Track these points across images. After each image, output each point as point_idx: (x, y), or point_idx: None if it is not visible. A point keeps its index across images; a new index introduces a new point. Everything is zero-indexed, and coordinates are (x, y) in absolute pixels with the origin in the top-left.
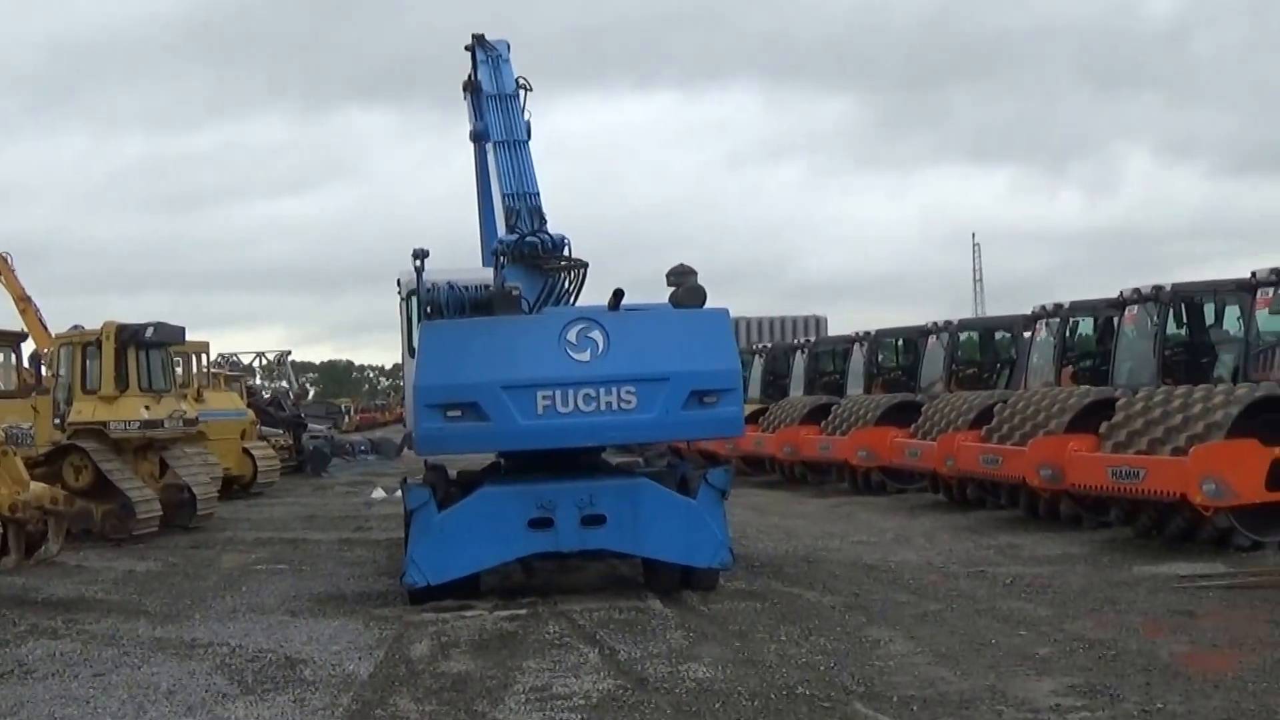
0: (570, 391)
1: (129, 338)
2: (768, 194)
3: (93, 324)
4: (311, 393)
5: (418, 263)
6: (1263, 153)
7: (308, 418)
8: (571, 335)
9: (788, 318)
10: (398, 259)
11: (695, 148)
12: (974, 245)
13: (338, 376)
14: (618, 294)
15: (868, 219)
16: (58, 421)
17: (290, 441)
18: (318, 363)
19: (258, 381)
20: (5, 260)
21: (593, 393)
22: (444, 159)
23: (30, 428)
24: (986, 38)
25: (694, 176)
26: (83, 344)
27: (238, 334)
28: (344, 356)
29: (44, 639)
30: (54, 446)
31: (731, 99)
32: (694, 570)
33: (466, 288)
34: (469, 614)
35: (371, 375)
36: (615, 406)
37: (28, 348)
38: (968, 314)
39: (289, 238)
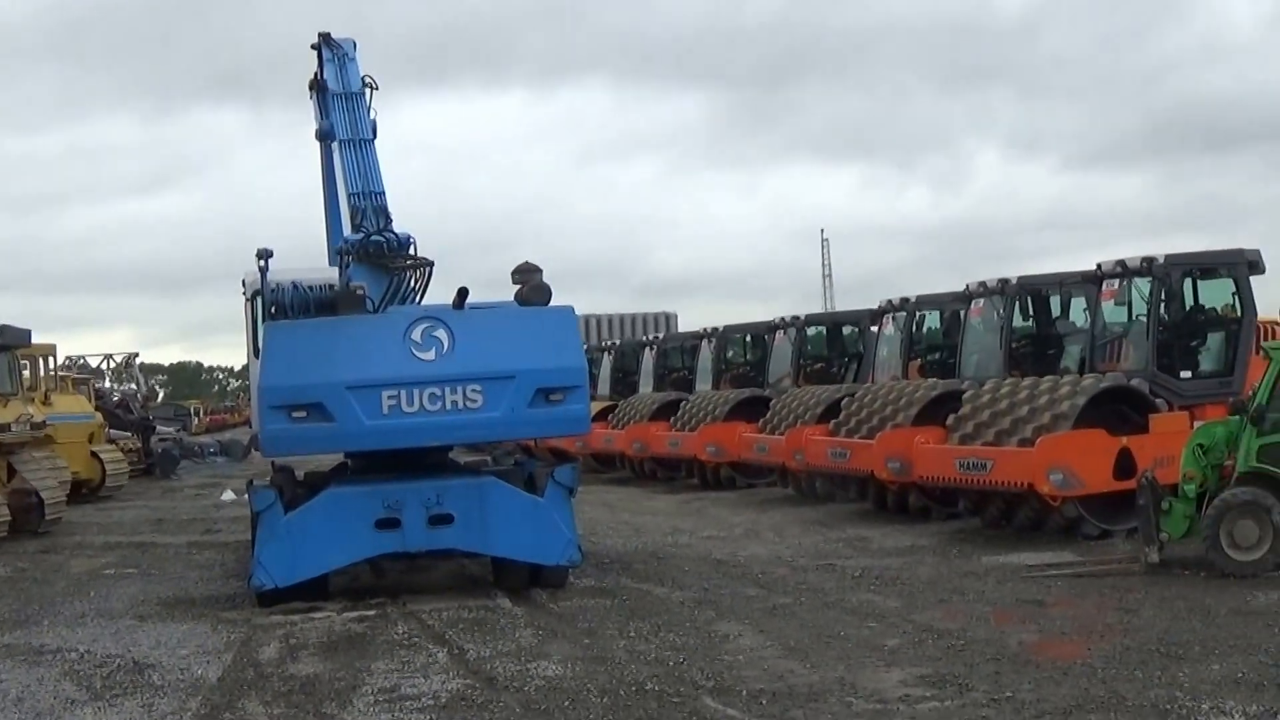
0: (416, 391)
1: None
2: (619, 192)
3: None
4: (160, 395)
5: (262, 263)
6: (1110, 147)
7: (156, 420)
8: (416, 334)
9: (638, 315)
10: (247, 260)
11: (546, 146)
12: (823, 241)
13: (187, 378)
14: (462, 292)
15: (719, 216)
16: None
17: (139, 444)
18: (167, 364)
19: (106, 384)
20: None
21: (438, 392)
22: (295, 159)
23: None
24: (836, 35)
25: (545, 175)
26: None
27: (86, 336)
28: (193, 358)
29: None
30: None
31: (582, 97)
32: (543, 568)
33: (311, 287)
34: (317, 615)
35: (221, 377)
36: (461, 405)
37: None
38: (817, 309)
39: (138, 239)
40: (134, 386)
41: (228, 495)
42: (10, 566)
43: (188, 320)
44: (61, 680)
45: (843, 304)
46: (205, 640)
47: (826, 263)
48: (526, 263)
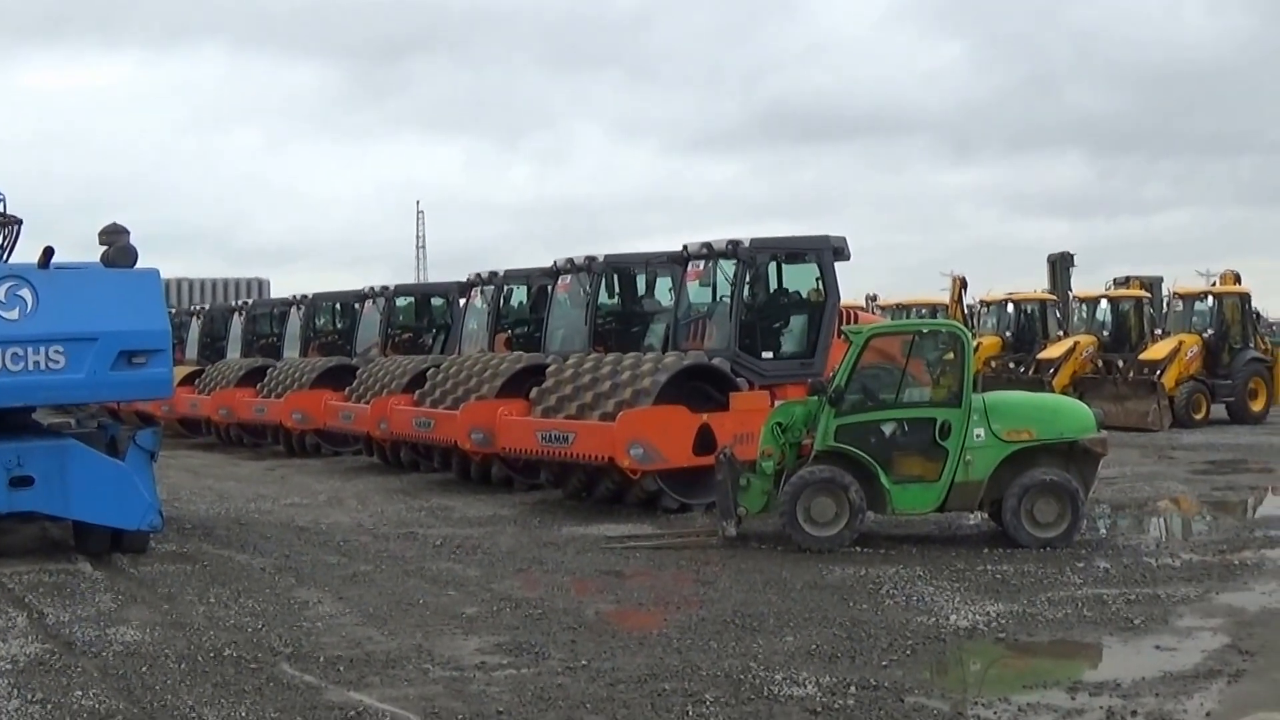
0: None
1: None
2: (226, 158)
3: None
4: None
5: None
6: (712, 134)
7: None
8: (0, 293)
9: (230, 279)
10: None
11: (157, 110)
12: (418, 213)
13: None
14: (47, 252)
15: (322, 186)
16: None
17: None
18: None
19: None
20: None
21: (21, 352)
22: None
23: None
24: (453, 14)
25: (154, 139)
26: None
27: None
28: None
29: None
30: None
31: (197, 63)
32: (124, 533)
33: None
34: None
35: None
36: (44, 366)
37: None
38: (410, 279)
39: None
40: None
41: None
42: None
43: None
44: None
45: (436, 277)
46: None
47: (421, 235)
48: (114, 224)
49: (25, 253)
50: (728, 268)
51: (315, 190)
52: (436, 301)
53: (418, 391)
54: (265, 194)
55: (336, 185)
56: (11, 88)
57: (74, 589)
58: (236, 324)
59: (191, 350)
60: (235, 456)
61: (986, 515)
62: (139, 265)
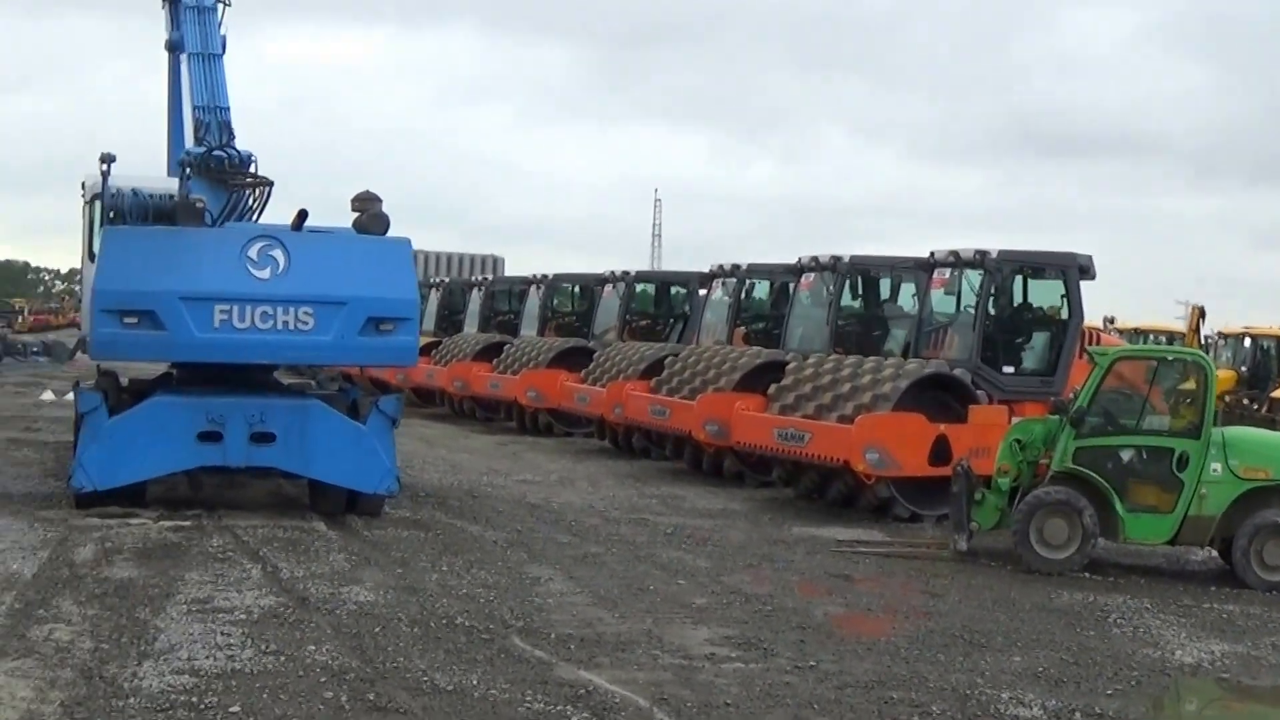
0: (248, 308)
1: None
2: (468, 136)
3: None
4: None
5: (104, 167)
6: (955, 143)
7: None
8: (253, 252)
9: (466, 255)
10: (91, 166)
11: (407, 83)
12: (656, 201)
13: (12, 276)
14: (302, 214)
15: (561, 167)
16: None
17: None
18: None
19: None
20: None
21: (270, 311)
22: (154, 69)
23: None
24: (703, 6)
25: (402, 111)
26: None
27: None
28: (22, 258)
29: None
30: None
31: (449, 38)
32: (360, 495)
33: (152, 195)
34: (134, 522)
35: (47, 278)
36: (292, 326)
37: None
38: (644, 267)
39: None
40: None
41: (47, 395)
42: None
43: (23, 220)
44: None
45: (669, 266)
46: (21, 537)
47: (657, 223)
48: (367, 191)
49: (274, 215)
50: (973, 278)
51: (555, 172)
52: (676, 290)
53: (654, 379)
54: (506, 173)
55: (577, 169)
56: (259, 57)
57: (308, 546)
58: (475, 299)
59: (429, 322)
60: (467, 429)
61: (1215, 552)
62: (390, 234)
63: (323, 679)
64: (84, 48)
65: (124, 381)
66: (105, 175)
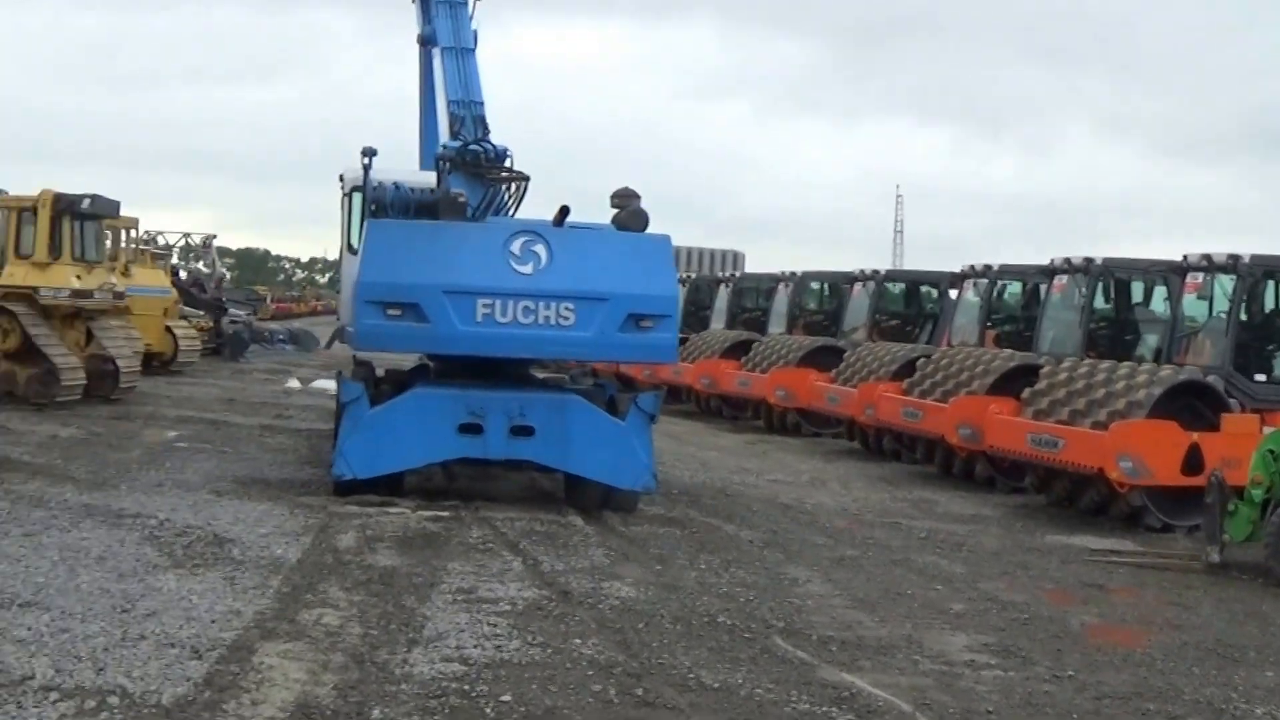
0: (510, 302)
1: (65, 207)
2: (709, 131)
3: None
4: (227, 277)
5: (366, 160)
6: (1200, 138)
7: (228, 302)
8: (515, 247)
9: (706, 250)
10: (337, 155)
11: (644, 78)
12: (897, 197)
13: (254, 264)
14: (564, 210)
15: (802, 163)
16: None
17: (210, 324)
18: (234, 249)
19: (175, 261)
20: None
21: (532, 305)
22: (395, 61)
23: None
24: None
25: (639, 105)
26: (19, 209)
27: (164, 213)
28: (263, 245)
29: None
30: None
31: (686, 33)
32: (616, 491)
33: (412, 189)
34: (392, 511)
35: (288, 266)
36: (553, 321)
37: None
38: (885, 265)
39: (230, 125)
40: (207, 267)
41: (293, 383)
42: (85, 430)
43: (264, 208)
44: (142, 544)
45: (910, 263)
46: (283, 522)
47: (899, 220)
48: (626, 188)
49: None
50: (1226, 283)
51: (795, 168)
52: (926, 290)
53: (906, 381)
54: (746, 169)
55: (817, 164)
56: (502, 48)
57: (566, 540)
58: (722, 295)
59: None
60: (715, 426)
61: None
62: (649, 230)
63: (589, 672)
64: (325, 40)
65: (379, 372)
66: (366, 169)
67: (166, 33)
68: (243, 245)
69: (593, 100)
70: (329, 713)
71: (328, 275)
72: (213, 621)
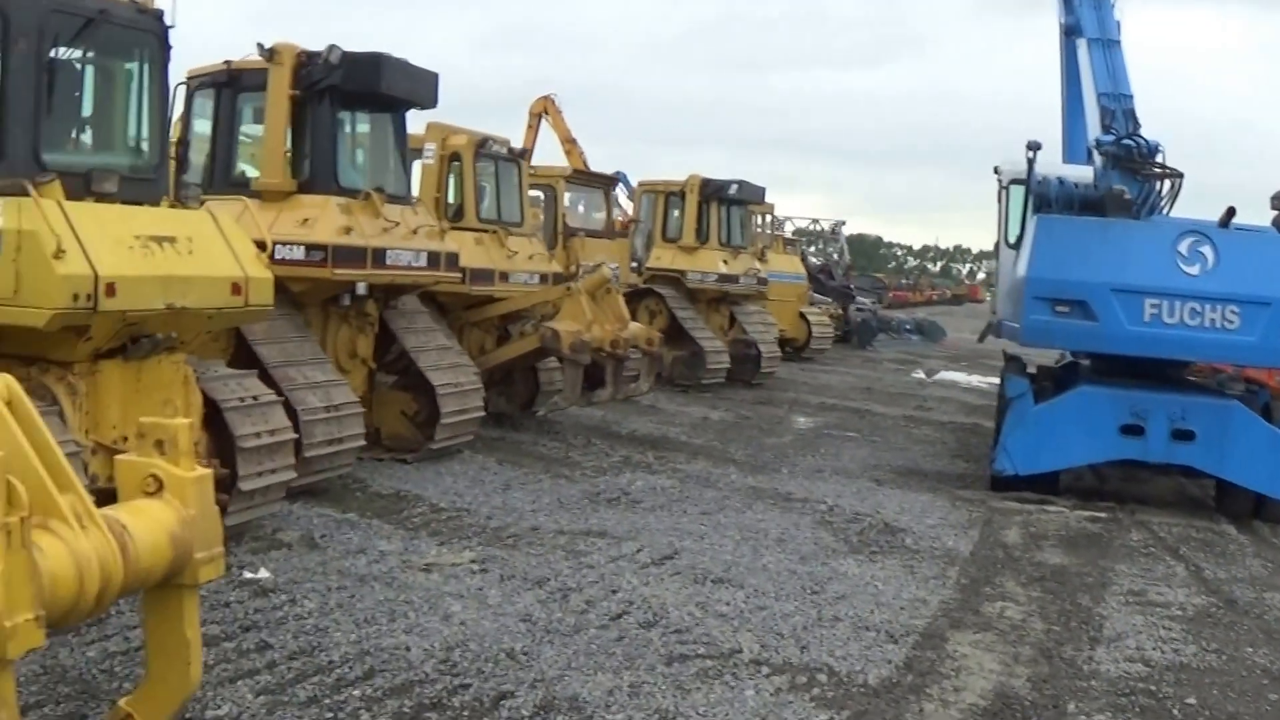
0: (1177, 303)
1: (712, 192)
2: None
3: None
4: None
5: (1030, 154)
6: None
7: (856, 290)
8: (1183, 247)
9: None
10: (952, 142)
11: (1267, 65)
12: None
13: (865, 250)
14: (1230, 211)
15: None
16: (634, 266)
17: (839, 311)
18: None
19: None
20: (553, 101)
21: (1198, 307)
22: (1008, 47)
23: (618, 268)
24: None
25: (1253, 94)
26: (666, 193)
27: (775, 197)
28: (874, 231)
29: (641, 472)
30: (631, 289)
31: None
32: (1268, 500)
33: (1076, 185)
34: (1050, 509)
35: (900, 254)
36: (1218, 324)
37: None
38: None
39: (840, 109)
40: (836, 255)
41: (918, 374)
42: (733, 413)
43: (876, 193)
44: (816, 529)
45: None
46: (947, 514)
47: None
48: None
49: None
50: None
51: None
52: None
53: None
54: None
55: None
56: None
57: (1223, 548)
58: None
59: None
60: None
61: None
62: None
63: (1264, 681)
64: (939, 22)
65: (1031, 369)
66: (1031, 163)
67: (776, 18)
68: (854, 231)
69: (1211, 91)
70: (1027, 703)
71: (938, 264)
72: (901, 608)
